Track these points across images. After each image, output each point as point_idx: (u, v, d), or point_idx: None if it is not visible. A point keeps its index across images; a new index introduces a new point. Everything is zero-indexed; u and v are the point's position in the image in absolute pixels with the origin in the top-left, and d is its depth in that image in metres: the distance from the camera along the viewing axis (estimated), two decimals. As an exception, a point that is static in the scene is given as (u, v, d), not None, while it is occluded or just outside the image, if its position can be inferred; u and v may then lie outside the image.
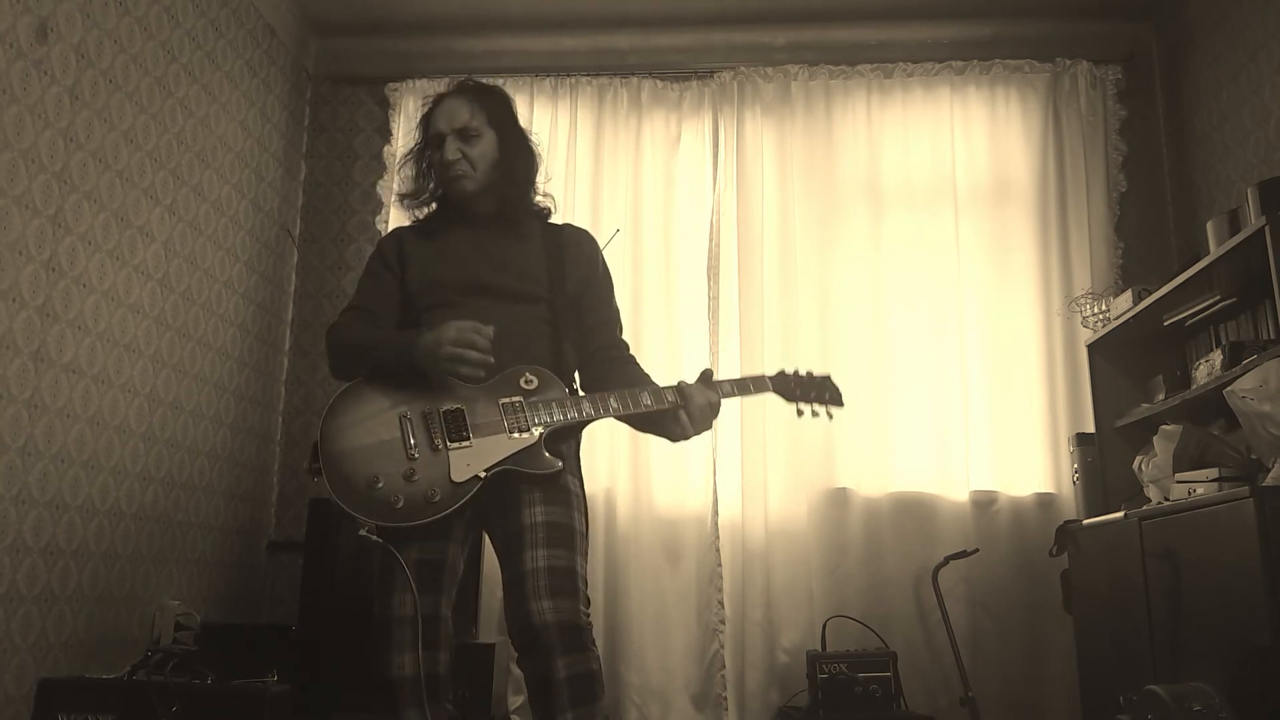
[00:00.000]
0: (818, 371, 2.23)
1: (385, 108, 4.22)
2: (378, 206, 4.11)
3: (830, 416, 2.21)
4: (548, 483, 1.92)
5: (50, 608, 2.73)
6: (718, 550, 3.66)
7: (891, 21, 4.09)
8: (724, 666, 3.57)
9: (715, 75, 4.09)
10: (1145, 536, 2.71)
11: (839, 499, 3.68)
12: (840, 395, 2.22)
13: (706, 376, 2.02)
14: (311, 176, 4.26)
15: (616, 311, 2.19)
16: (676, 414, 1.96)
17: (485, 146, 2.09)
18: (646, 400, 1.96)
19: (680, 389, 1.97)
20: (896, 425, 3.74)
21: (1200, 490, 2.55)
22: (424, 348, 1.87)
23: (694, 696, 3.56)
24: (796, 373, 2.20)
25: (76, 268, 2.83)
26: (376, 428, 1.88)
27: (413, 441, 1.87)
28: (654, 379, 2.10)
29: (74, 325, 2.82)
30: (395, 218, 3.76)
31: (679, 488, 3.74)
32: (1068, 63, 3.98)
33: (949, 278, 3.83)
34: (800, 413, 2.18)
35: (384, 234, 2.28)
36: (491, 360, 1.86)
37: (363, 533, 1.82)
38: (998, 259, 3.86)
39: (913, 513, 3.66)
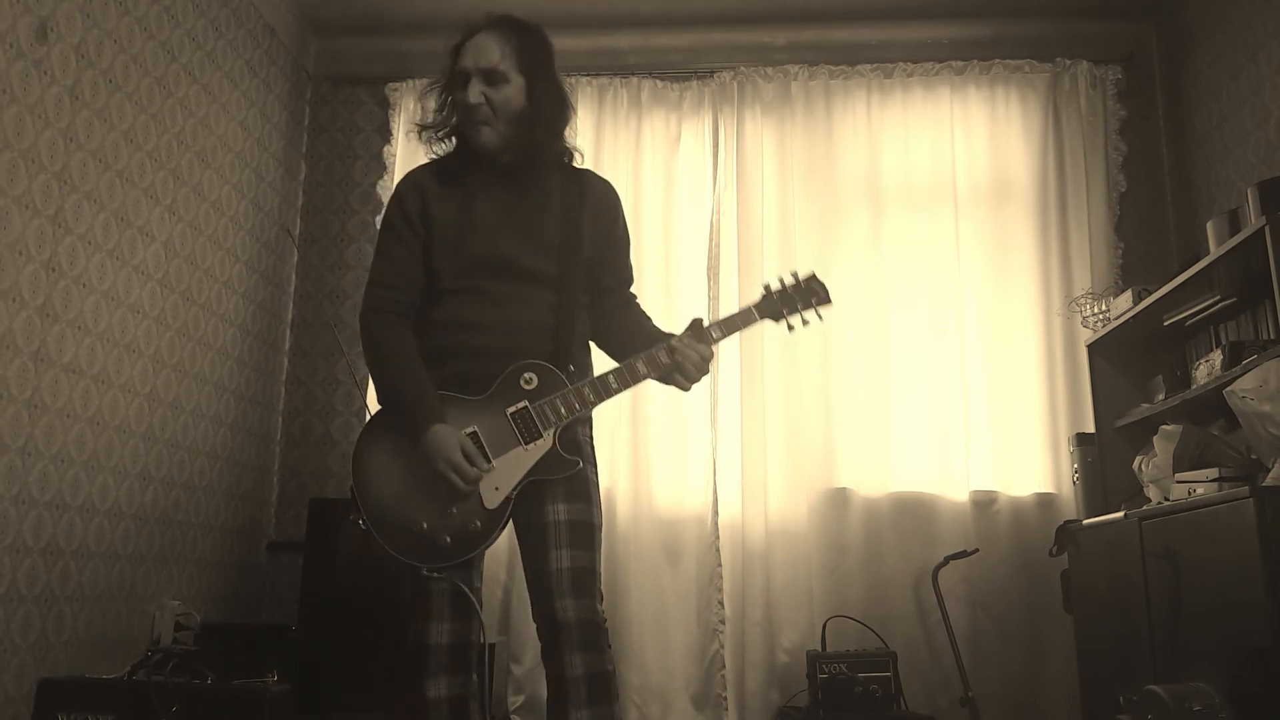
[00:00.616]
0: (802, 273, 2.13)
1: (385, 108, 4.22)
2: (378, 207, 4.09)
3: (821, 319, 2.13)
4: (569, 478, 1.96)
5: (50, 608, 2.73)
6: (718, 550, 3.66)
7: (891, 21, 4.09)
8: (724, 666, 3.57)
9: (715, 75, 4.09)
10: (1145, 536, 2.71)
11: (839, 499, 3.69)
12: (827, 292, 2.13)
13: (696, 327, 2.03)
14: (311, 176, 4.26)
15: (630, 270, 2.20)
16: (672, 373, 2.01)
17: (511, 93, 1.99)
18: (642, 369, 2.00)
19: (672, 349, 2.00)
20: (896, 425, 3.74)
21: (1200, 490, 2.55)
22: (428, 443, 1.88)
23: (694, 696, 3.57)
24: (782, 284, 2.11)
25: (76, 268, 2.83)
26: (405, 470, 1.92)
27: None
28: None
29: (74, 325, 2.82)
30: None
31: (679, 488, 3.74)
32: (1068, 63, 3.98)
33: (949, 278, 3.84)
34: (791, 328, 2.12)
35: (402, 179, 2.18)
36: (474, 489, 1.90)
37: (425, 573, 1.91)
38: (998, 259, 3.86)
39: (913, 513, 3.66)
